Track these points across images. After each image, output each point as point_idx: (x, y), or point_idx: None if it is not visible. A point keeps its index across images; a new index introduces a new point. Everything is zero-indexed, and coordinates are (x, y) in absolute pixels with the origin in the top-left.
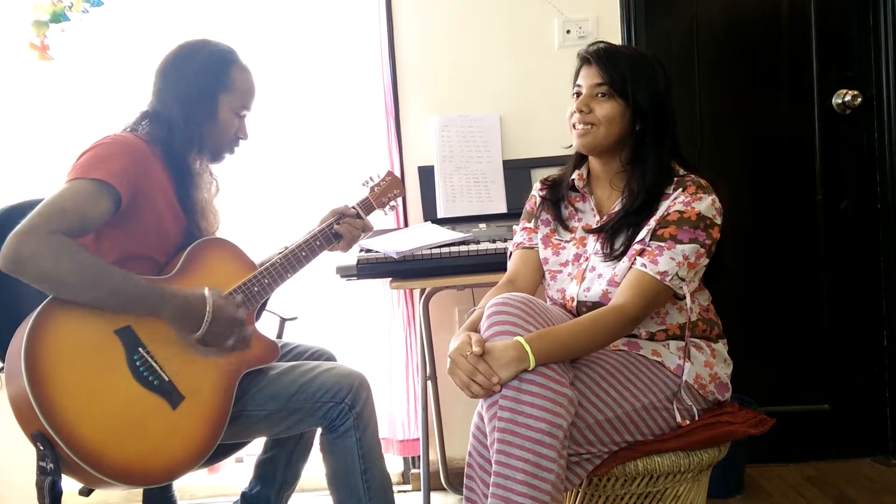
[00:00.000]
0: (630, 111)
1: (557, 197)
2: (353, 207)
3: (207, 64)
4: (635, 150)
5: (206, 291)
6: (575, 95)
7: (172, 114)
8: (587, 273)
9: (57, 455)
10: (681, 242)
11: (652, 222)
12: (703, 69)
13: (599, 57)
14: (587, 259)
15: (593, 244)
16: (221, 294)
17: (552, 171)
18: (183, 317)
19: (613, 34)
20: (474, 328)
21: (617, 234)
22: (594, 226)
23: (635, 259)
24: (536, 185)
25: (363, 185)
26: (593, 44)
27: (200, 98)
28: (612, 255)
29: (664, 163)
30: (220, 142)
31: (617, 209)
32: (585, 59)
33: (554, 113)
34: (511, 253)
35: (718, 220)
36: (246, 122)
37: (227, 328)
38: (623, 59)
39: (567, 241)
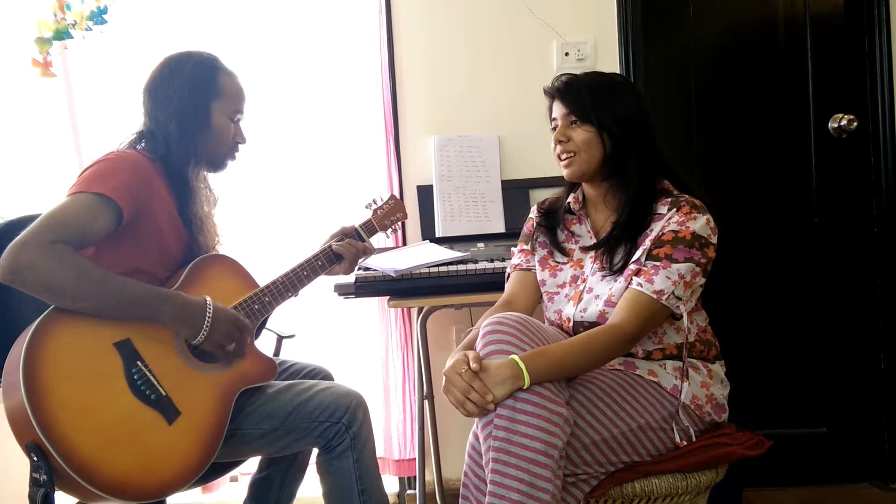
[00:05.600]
0: (601, 133)
1: (553, 224)
2: (356, 228)
3: (195, 74)
4: (615, 166)
5: (207, 298)
6: (553, 129)
7: (168, 130)
8: (584, 294)
9: (51, 467)
10: (676, 261)
11: (647, 242)
12: (699, 92)
13: (559, 90)
14: (584, 280)
15: (590, 265)
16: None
17: (550, 192)
18: (184, 319)
19: (611, 57)
20: (470, 348)
21: (615, 248)
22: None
23: (631, 279)
24: (534, 209)
25: (366, 207)
26: (556, 78)
27: (193, 110)
28: (612, 270)
29: (645, 173)
30: (219, 150)
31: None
32: (550, 95)
33: (552, 134)
34: (509, 275)
35: (713, 240)
36: (242, 126)
37: (227, 332)
38: (582, 87)
39: (564, 264)
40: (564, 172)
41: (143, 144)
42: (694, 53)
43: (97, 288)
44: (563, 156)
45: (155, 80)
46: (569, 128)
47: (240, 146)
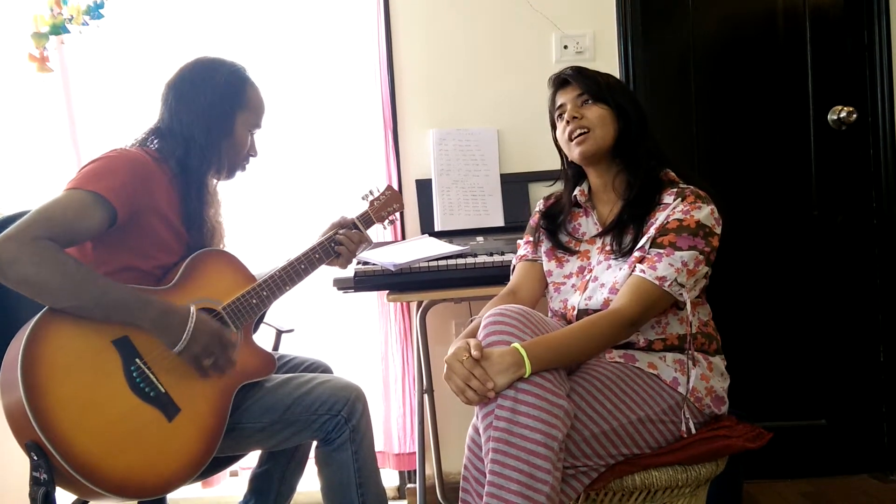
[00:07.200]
0: (614, 113)
1: (553, 227)
2: (352, 220)
3: (227, 82)
4: (627, 146)
5: (192, 307)
6: (559, 117)
7: (193, 132)
8: (590, 283)
9: (51, 465)
10: (679, 249)
11: (652, 230)
12: (699, 84)
13: (572, 76)
14: (590, 270)
15: (597, 256)
16: (213, 303)
17: (549, 185)
18: (164, 327)
19: (610, 49)
20: (472, 337)
21: (623, 231)
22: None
23: (635, 266)
24: (541, 201)
25: (363, 198)
26: (563, 69)
27: (220, 116)
28: (622, 252)
29: (652, 156)
30: (235, 159)
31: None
32: (562, 81)
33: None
34: (514, 266)
35: (717, 230)
36: (255, 139)
37: (207, 346)
38: (592, 73)
39: (571, 255)
40: (576, 151)
41: (155, 141)
42: (693, 45)
43: (78, 288)
44: (577, 132)
45: (184, 80)
46: (581, 107)
47: (251, 159)
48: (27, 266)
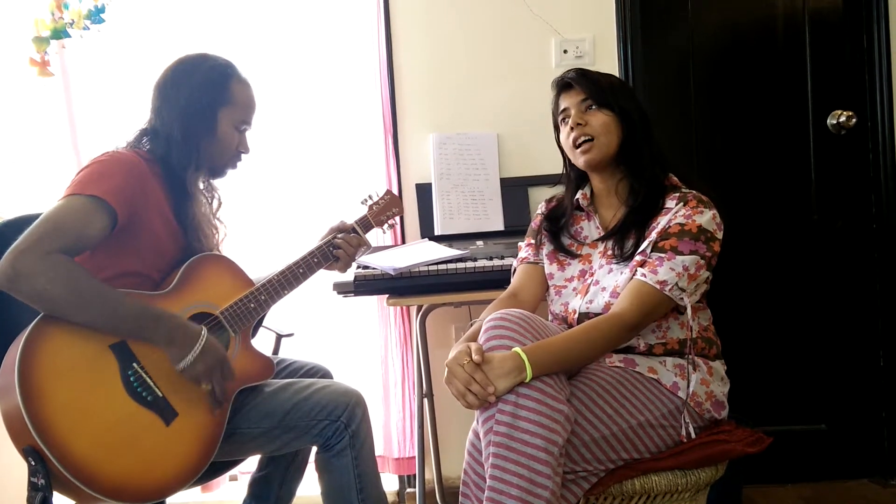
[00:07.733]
0: (618, 119)
1: (556, 229)
2: (351, 224)
3: (207, 78)
4: (630, 151)
5: (204, 329)
6: (563, 121)
7: (172, 130)
8: (591, 287)
9: (48, 470)
10: (681, 254)
11: (654, 235)
12: (698, 88)
13: (576, 79)
14: (592, 274)
15: (598, 260)
16: (211, 307)
17: (549, 189)
18: (174, 341)
19: (610, 54)
20: (472, 340)
21: (626, 234)
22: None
23: (636, 270)
24: (542, 204)
25: (362, 203)
26: (566, 71)
27: (200, 113)
28: (624, 256)
29: (656, 161)
30: (220, 157)
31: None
32: (566, 85)
33: (551, 131)
34: (515, 268)
35: (719, 235)
36: (247, 136)
37: (209, 369)
38: (596, 77)
39: (573, 258)
40: (581, 160)
41: (145, 142)
42: (693, 50)
43: (90, 304)
44: (582, 140)
45: (167, 79)
46: (585, 113)
47: (242, 156)
48: (42, 281)
